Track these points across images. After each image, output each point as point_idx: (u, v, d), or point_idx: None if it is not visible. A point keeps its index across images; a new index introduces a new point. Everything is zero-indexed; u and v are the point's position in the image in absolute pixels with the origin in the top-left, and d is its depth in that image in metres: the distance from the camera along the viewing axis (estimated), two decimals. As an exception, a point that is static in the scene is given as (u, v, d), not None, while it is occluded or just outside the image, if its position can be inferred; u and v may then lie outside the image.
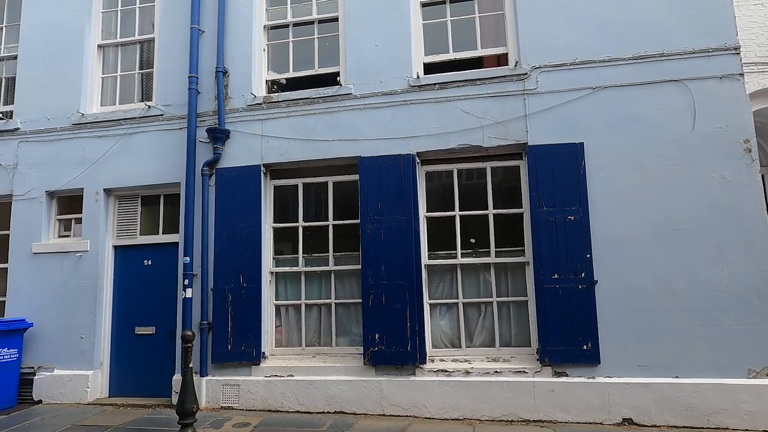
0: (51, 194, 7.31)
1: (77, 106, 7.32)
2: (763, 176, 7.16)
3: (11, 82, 7.90)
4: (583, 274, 5.52)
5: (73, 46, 7.49)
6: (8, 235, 7.30)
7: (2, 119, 7.69)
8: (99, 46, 7.64)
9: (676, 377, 5.19)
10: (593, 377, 5.41)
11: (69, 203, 7.38)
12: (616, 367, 5.36)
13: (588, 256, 5.54)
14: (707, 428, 4.90)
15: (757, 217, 5.29)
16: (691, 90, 5.57)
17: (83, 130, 7.24)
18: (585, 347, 5.43)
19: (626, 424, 5.25)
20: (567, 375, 5.49)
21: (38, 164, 7.31)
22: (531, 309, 5.81)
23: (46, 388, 6.77)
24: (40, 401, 6.74)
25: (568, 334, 5.47)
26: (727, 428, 4.98)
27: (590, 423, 5.31)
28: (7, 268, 7.21)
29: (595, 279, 5.49)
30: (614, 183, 5.59)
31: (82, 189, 7.11)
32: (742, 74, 5.53)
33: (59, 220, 7.37)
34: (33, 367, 6.87)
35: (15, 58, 7.82)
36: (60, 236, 7.33)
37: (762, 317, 5.14)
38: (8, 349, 6.57)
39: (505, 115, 6.00)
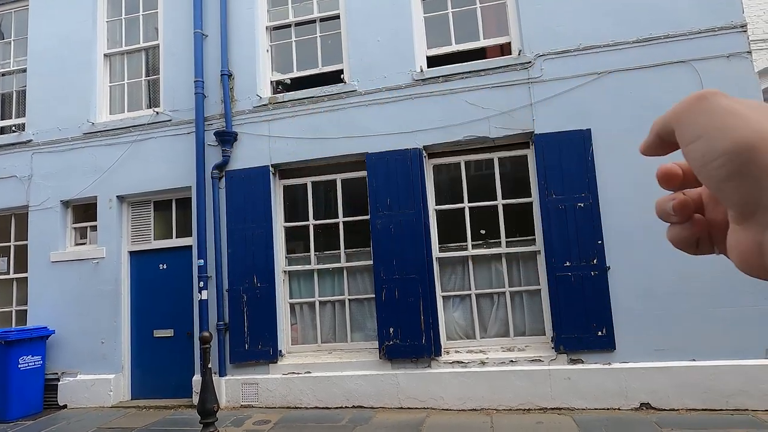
0: (66, 203, 7.43)
1: (87, 115, 7.42)
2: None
3: (22, 95, 8.04)
4: (595, 261, 5.51)
5: (81, 57, 7.59)
6: (26, 245, 7.45)
7: (15, 132, 7.83)
8: (105, 55, 7.73)
9: (694, 360, 5.17)
10: (609, 363, 5.41)
11: (84, 211, 7.51)
12: (632, 353, 5.36)
13: (599, 242, 5.52)
14: (726, 410, 4.88)
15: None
16: (698, 71, 5.51)
17: (94, 139, 7.34)
18: (600, 333, 5.43)
19: (644, 408, 5.25)
20: (583, 362, 5.49)
21: (52, 174, 7.42)
22: (544, 297, 5.81)
23: (70, 392, 6.92)
24: (65, 406, 6.89)
25: (582, 321, 5.47)
26: (747, 409, 4.96)
27: (608, 409, 5.31)
28: (27, 277, 7.38)
29: (608, 265, 5.48)
30: (623, 168, 5.54)
31: (96, 197, 7.22)
32: (749, 52, 5.46)
33: (75, 228, 7.50)
34: (57, 373, 7.02)
35: (24, 71, 7.95)
36: (77, 244, 7.47)
37: (779, 297, 5.10)
38: (32, 356, 6.71)
39: (511, 105, 5.98)
